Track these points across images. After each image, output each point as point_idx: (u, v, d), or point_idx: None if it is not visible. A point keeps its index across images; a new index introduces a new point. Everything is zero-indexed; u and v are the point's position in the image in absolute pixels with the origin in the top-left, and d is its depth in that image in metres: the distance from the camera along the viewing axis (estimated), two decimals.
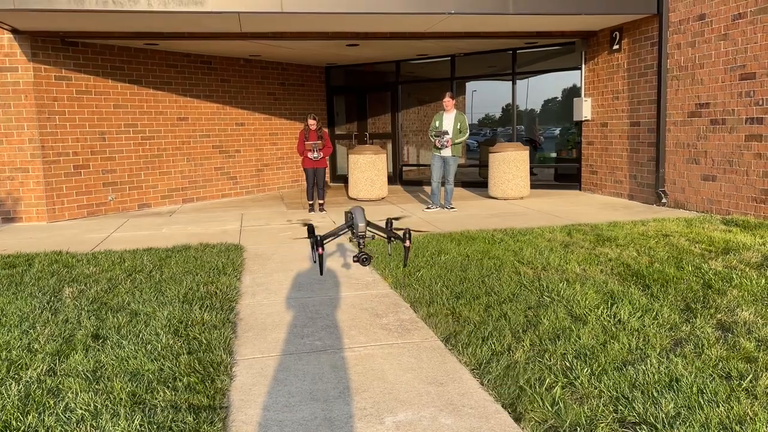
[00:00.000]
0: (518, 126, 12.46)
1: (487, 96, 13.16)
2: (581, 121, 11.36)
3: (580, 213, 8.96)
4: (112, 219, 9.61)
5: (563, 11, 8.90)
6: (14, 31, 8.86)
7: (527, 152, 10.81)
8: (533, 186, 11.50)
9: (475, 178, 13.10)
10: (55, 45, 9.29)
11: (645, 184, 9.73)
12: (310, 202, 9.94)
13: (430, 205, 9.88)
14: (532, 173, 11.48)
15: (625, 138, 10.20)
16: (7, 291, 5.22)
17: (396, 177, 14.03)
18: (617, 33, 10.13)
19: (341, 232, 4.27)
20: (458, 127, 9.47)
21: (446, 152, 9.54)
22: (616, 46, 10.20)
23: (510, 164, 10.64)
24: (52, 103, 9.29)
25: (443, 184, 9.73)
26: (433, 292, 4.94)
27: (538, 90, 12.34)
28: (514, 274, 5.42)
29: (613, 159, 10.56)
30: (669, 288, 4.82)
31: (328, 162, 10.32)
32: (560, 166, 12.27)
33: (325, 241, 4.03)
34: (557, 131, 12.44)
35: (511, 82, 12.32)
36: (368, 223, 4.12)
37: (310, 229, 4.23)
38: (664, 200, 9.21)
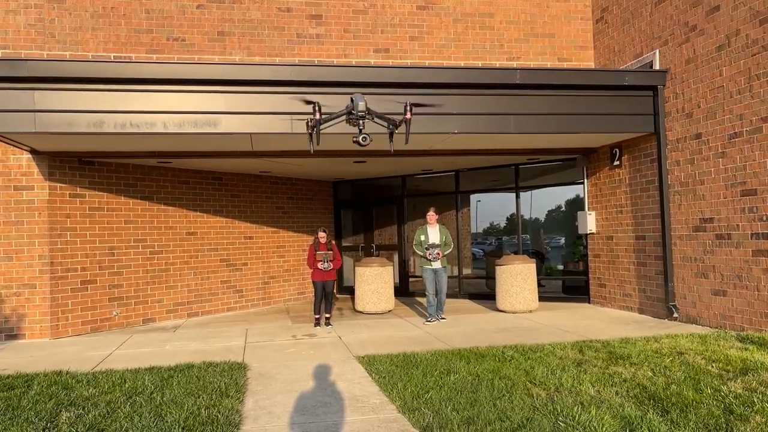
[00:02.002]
0: (524, 235, 12.54)
1: (492, 206, 13.35)
2: (587, 234, 11.43)
3: (590, 328, 8.80)
4: (115, 335, 9.49)
5: (563, 130, 9.22)
6: (33, 151, 9.18)
7: (534, 265, 10.81)
8: (541, 298, 11.38)
9: (482, 290, 13.00)
10: (72, 164, 9.59)
11: (655, 298, 9.62)
12: (317, 317, 9.82)
13: (429, 318, 9.88)
14: (539, 285, 11.40)
15: (631, 251, 10.21)
16: (3, 416, 5.06)
17: (402, 288, 13.95)
18: (617, 150, 10.42)
19: (341, 115, 4.92)
20: (444, 239, 9.92)
21: (437, 264, 9.85)
22: (616, 162, 10.46)
23: (517, 277, 10.60)
24: (64, 219, 9.46)
25: (436, 294, 9.88)
26: (443, 416, 4.76)
27: (542, 201, 12.53)
28: (527, 396, 5.24)
29: (620, 272, 10.51)
30: (689, 413, 4.63)
31: (336, 275, 10.32)
32: (568, 278, 12.21)
33: (322, 125, 4.80)
34: (562, 240, 12.49)
35: (514, 195, 12.55)
36: (368, 109, 4.90)
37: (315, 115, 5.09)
38: (675, 315, 9.06)
